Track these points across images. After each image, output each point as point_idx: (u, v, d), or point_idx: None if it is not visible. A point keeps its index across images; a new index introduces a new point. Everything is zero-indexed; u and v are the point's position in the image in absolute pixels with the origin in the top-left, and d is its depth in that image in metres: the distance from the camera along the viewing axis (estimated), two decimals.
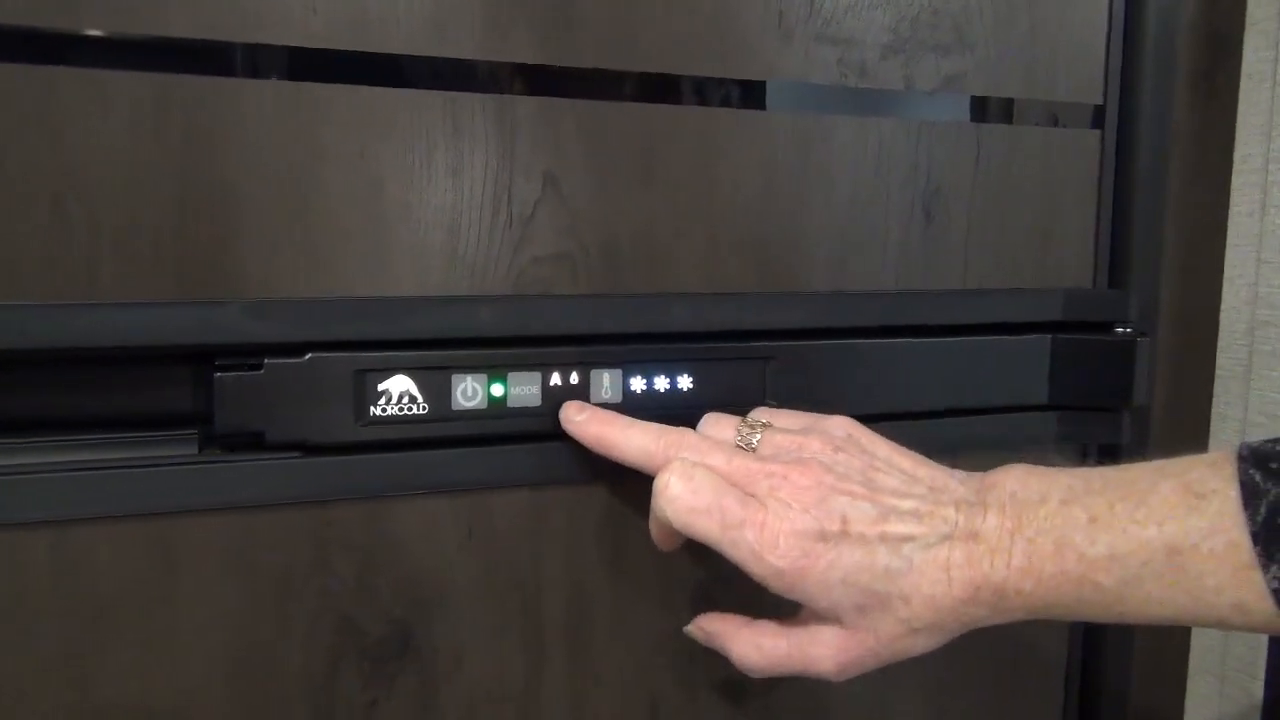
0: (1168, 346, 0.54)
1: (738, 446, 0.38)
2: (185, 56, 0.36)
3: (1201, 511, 0.31)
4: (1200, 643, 0.56)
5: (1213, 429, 0.55)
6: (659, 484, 0.36)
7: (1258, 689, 0.53)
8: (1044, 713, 0.53)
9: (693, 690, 0.45)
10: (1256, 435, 0.53)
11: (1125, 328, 0.49)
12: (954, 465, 0.38)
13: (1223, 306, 0.54)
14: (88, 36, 0.35)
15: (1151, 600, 0.32)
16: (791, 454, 0.37)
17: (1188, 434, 0.56)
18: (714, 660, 0.40)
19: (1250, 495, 0.31)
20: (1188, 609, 0.32)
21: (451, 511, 0.41)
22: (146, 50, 0.35)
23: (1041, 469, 0.36)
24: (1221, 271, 0.54)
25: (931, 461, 0.39)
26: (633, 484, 0.43)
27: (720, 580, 0.42)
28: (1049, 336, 0.49)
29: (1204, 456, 0.33)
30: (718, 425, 0.40)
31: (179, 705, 0.38)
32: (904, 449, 0.39)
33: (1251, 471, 0.31)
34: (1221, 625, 0.32)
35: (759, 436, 0.39)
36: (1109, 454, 0.52)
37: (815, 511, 0.35)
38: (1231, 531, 0.31)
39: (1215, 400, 0.55)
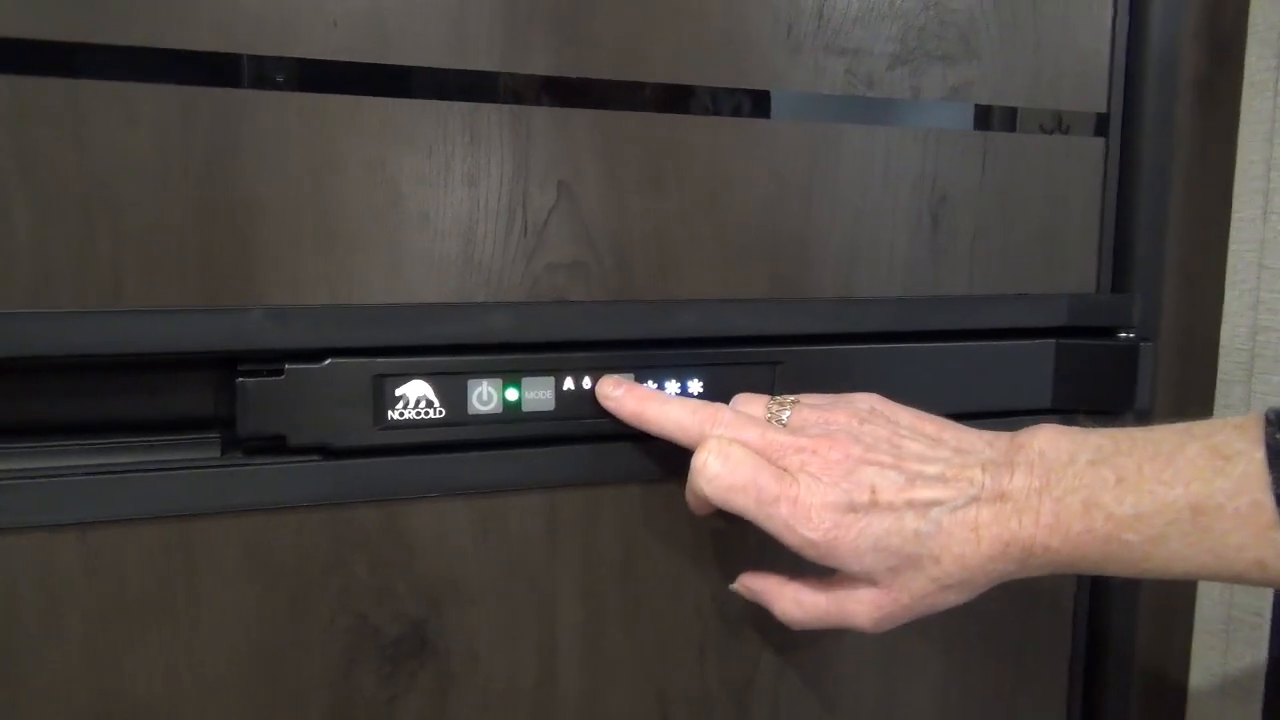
0: (1170, 351, 0.55)
1: (769, 421, 0.40)
2: (209, 69, 0.37)
3: (1227, 474, 0.32)
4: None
5: None
6: (697, 462, 0.38)
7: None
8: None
9: (703, 689, 0.46)
10: None
11: (1129, 333, 0.50)
12: None
13: (1225, 312, 0.55)
14: (114, 49, 0.35)
15: (1176, 557, 0.34)
16: (820, 428, 0.39)
17: None
18: (725, 659, 0.41)
19: (1275, 458, 0.32)
20: (1210, 566, 0.33)
21: (467, 513, 0.41)
22: (172, 63, 0.36)
23: (1071, 429, 0.37)
24: (1224, 277, 0.55)
25: (958, 424, 0.40)
26: (644, 485, 0.44)
27: (731, 581, 0.43)
28: (1053, 341, 0.50)
29: (1232, 420, 0.34)
30: (749, 404, 0.42)
31: (202, 703, 0.39)
32: (928, 415, 0.40)
33: (1278, 436, 0.32)
34: (1240, 580, 0.33)
35: (788, 413, 0.40)
36: None
37: (845, 484, 0.36)
38: (1256, 493, 0.32)
39: (1217, 405, 0.56)
